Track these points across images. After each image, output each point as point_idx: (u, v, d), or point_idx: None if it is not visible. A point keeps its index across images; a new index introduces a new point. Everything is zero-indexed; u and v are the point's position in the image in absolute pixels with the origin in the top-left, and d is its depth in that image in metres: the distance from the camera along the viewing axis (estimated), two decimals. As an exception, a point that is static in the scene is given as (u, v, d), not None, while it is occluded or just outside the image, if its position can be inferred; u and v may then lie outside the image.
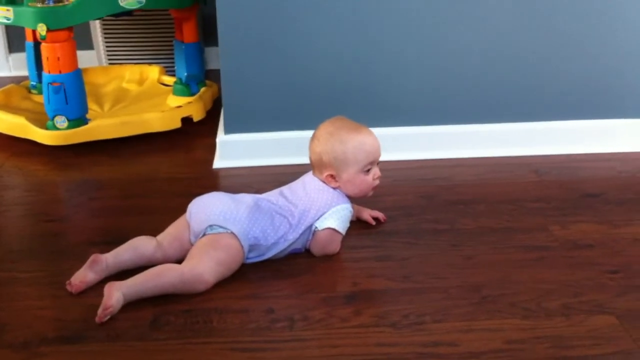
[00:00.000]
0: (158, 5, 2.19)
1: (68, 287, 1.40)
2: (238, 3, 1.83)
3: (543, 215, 1.69)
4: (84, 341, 1.26)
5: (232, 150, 1.95)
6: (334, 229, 1.50)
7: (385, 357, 1.21)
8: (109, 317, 1.30)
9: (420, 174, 1.92)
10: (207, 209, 1.46)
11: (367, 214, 1.65)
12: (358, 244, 1.57)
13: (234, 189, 1.77)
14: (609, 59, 1.98)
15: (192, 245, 1.46)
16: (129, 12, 2.29)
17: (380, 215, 1.66)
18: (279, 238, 1.47)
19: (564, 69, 1.98)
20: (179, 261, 1.43)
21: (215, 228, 1.43)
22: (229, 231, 1.42)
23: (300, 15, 1.86)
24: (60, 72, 2.01)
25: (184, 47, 2.33)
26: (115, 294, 1.31)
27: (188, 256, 1.42)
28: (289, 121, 1.93)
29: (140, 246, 1.46)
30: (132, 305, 1.35)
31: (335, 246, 1.52)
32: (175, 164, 2.02)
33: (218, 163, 1.96)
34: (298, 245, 1.51)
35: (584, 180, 1.88)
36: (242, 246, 1.43)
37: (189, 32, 2.32)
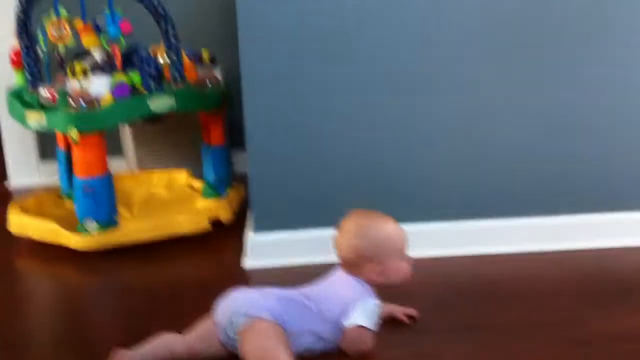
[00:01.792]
0: (188, 107, 2.23)
1: None
2: (265, 104, 1.87)
3: (584, 308, 1.64)
4: None
5: (262, 249, 1.94)
6: (361, 326, 1.46)
7: None
8: None
9: (451, 271, 1.88)
10: (231, 302, 1.46)
11: (400, 312, 1.61)
12: (392, 341, 1.53)
13: (264, 289, 1.75)
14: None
15: (221, 344, 1.44)
16: (159, 118, 2.34)
17: (413, 312, 1.62)
18: (304, 326, 1.44)
19: (592, 162, 1.96)
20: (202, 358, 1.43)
21: (240, 317, 1.41)
22: (253, 317, 1.40)
23: (328, 114, 1.89)
24: (90, 175, 2.04)
25: (211, 150, 2.36)
26: None
27: (246, 355, 1.38)
28: (319, 218, 1.92)
29: (167, 343, 1.44)
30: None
31: (366, 344, 1.47)
32: (204, 267, 2.00)
33: (247, 263, 1.94)
34: (327, 342, 1.47)
35: (620, 273, 1.83)
36: (279, 325, 1.41)
37: (217, 135, 2.35)
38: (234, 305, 1.44)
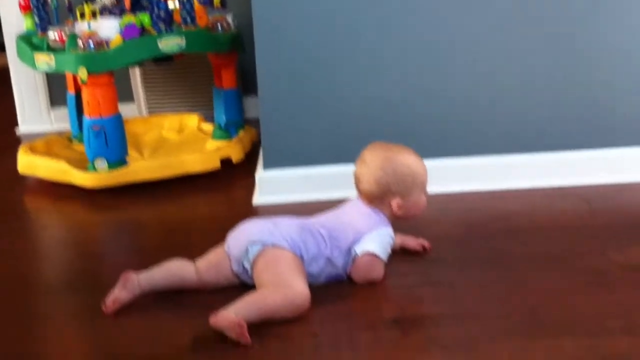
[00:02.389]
0: (198, 49, 2.21)
1: (104, 308, 1.36)
2: (276, 48, 1.84)
3: (598, 240, 1.61)
4: (121, 367, 1.21)
5: (272, 186, 1.92)
6: (374, 254, 1.44)
7: (437, 378, 1.14)
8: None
9: (467, 205, 1.85)
10: (244, 232, 1.44)
11: (414, 242, 1.59)
12: (403, 270, 1.51)
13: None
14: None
15: (233, 273, 1.43)
16: (169, 59, 2.32)
17: (426, 243, 1.59)
18: (319, 252, 1.42)
19: (614, 97, 1.92)
20: (214, 288, 1.42)
21: (256, 245, 1.39)
22: (269, 244, 1.38)
23: (339, 52, 1.85)
24: (100, 115, 2.03)
25: (223, 93, 2.34)
26: (231, 315, 1.25)
27: (262, 283, 1.36)
28: (329, 155, 1.91)
29: (177, 268, 1.43)
30: (171, 331, 1.30)
31: (377, 272, 1.46)
32: (215, 203, 1.99)
33: (257, 199, 1.93)
34: (339, 270, 1.45)
35: (637, 207, 1.79)
36: (293, 252, 1.39)
37: (228, 78, 2.33)
38: (249, 234, 1.42)
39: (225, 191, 2.07)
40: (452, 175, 1.93)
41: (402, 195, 1.47)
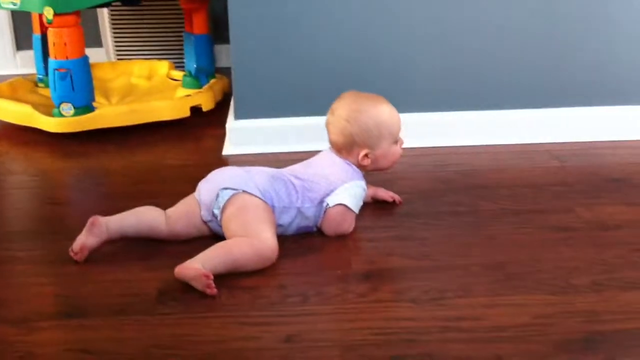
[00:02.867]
0: (167, -9, 2.15)
1: (71, 254, 1.34)
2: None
3: (567, 198, 1.62)
4: (86, 316, 1.19)
5: (242, 136, 1.89)
6: (345, 206, 1.43)
7: (405, 331, 1.14)
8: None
9: (438, 160, 1.85)
10: (215, 179, 1.42)
11: (384, 193, 1.58)
12: (373, 224, 1.50)
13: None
14: (627, 47, 1.92)
15: (203, 222, 1.40)
16: (137, 1, 2.26)
17: (396, 196, 1.59)
18: (290, 202, 1.41)
19: (585, 55, 1.92)
20: (184, 239, 1.40)
21: (227, 191, 1.37)
22: (240, 191, 1.36)
23: (310, 3, 1.81)
24: (67, 58, 1.96)
25: (193, 38, 2.28)
26: (198, 265, 1.23)
27: (230, 234, 1.34)
28: (300, 106, 1.88)
29: (147, 215, 1.40)
30: (138, 281, 1.29)
31: (347, 225, 1.45)
32: (184, 152, 1.96)
33: (227, 150, 1.90)
34: (309, 222, 1.44)
35: (607, 166, 1.80)
36: (264, 201, 1.37)
37: (199, 23, 2.27)
38: (221, 181, 1.40)
39: (195, 140, 2.04)
40: (423, 130, 1.92)
41: (368, 147, 1.45)
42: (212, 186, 1.40)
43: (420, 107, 1.91)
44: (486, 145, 1.93)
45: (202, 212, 1.40)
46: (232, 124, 1.90)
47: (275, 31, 1.82)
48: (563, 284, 1.26)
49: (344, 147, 1.46)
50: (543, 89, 1.93)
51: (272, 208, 1.39)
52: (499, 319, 1.16)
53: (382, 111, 1.46)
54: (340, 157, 1.47)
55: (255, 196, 1.37)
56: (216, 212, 1.38)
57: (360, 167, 1.47)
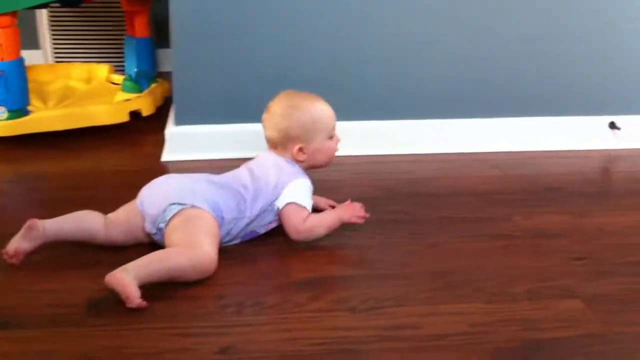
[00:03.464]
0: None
1: (5, 257, 1.29)
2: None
3: (507, 206, 1.63)
4: (13, 328, 1.14)
5: (182, 142, 1.86)
6: (295, 203, 1.40)
7: (343, 340, 1.13)
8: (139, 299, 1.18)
9: (380, 168, 1.85)
10: (162, 190, 1.37)
11: (324, 203, 1.57)
12: (314, 232, 1.49)
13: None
14: (570, 59, 1.96)
15: (145, 233, 1.37)
16: (77, 2, 2.20)
17: (335, 204, 1.58)
18: (240, 212, 1.38)
19: (524, 68, 1.94)
20: (122, 246, 1.36)
21: (175, 206, 1.33)
22: (188, 205, 1.33)
23: (252, 7, 1.79)
24: (2, 59, 1.90)
25: (135, 42, 2.24)
26: (125, 275, 1.18)
27: (170, 244, 1.30)
28: (240, 113, 1.85)
29: (86, 220, 1.36)
30: (70, 290, 1.24)
31: (308, 223, 1.40)
32: (122, 158, 1.91)
33: (167, 156, 1.86)
34: (258, 228, 1.42)
35: (546, 175, 1.83)
36: (212, 215, 1.34)
37: (141, 26, 2.23)
38: (168, 195, 1.35)
39: (134, 146, 1.99)
40: (365, 138, 1.91)
41: (303, 141, 1.44)
42: (159, 200, 1.35)
43: (362, 115, 1.91)
44: (428, 154, 1.94)
45: (146, 225, 1.36)
46: (172, 130, 1.86)
47: (216, 37, 1.80)
48: (501, 293, 1.27)
49: (280, 143, 1.46)
50: (484, 100, 1.95)
51: (221, 220, 1.36)
52: (437, 328, 1.16)
53: (316, 107, 1.47)
54: (279, 155, 1.46)
55: (204, 209, 1.34)
56: (162, 225, 1.34)
57: (297, 163, 1.46)
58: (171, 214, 1.33)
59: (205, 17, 1.78)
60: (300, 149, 1.45)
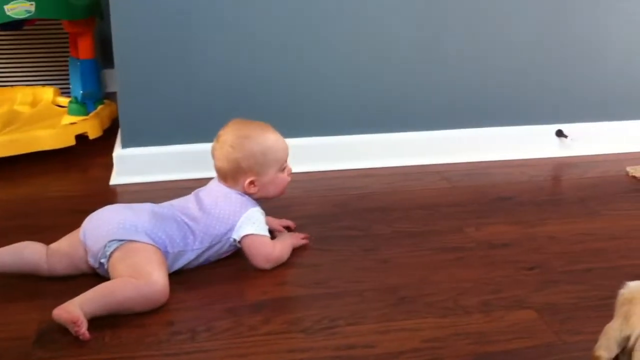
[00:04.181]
0: (49, 15, 2.05)
1: None
2: (134, 15, 1.73)
3: (458, 218, 1.64)
4: (-45, 366, 1.11)
5: (130, 165, 1.82)
6: (256, 234, 1.39)
7: (297, 363, 1.12)
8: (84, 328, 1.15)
9: (331, 184, 1.84)
10: (103, 225, 1.33)
11: (277, 224, 1.55)
12: (267, 252, 1.47)
13: (132, 204, 1.66)
14: (511, 69, 1.98)
15: (88, 266, 1.34)
16: (19, 25, 2.16)
17: (290, 223, 1.57)
18: (186, 245, 1.36)
19: (471, 78, 1.97)
20: (64, 277, 1.33)
21: (114, 243, 1.29)
22: (129, 242, 1.30)
23: (198, 26, 1.77)
24: (-61, 86, 1.85)
25: (79, 64, 2.20)
26: (74, 308, 1.15)
27: (117, 274, 1.26)
28: (188, 134, 1.83)
29: (27, 251, 1.32)
30: (15, 323, 1.21)
31: (276, 251, 1.41)
32: (69, 183, 1.87)
33: (115, 179, 1.83)
34: (211, 257, 1.41)
35: (496, 185, 1.85)
36: (155, 247, 1.31)
37: (85, 47, 2.19)
38: (109, 230, 1.31)
39: (81, 170, 1.95)
40: (316, 154, 1.91)
41: (255, 173, 1.42)
42: (100, 235, 1.31)
43: (313, 132, 1.91)
44: (379, 168, 1.95)
45: (89, 259, 1.33)
46: (119, 153, 1.83)
47: (160, 56, 1.78)
48: (453, 306, 1.27)
49: (230, 174, 1.42)
50: (431, 112, 1.97)
51: (166, 254, 1.33)
52: (390, 345, 1.16)
53: (268, 138, 1.44)
54: (228, 187, 1.43)
55: (145, 242, 1.31)
56: (103, 261, 1.31)
57: (248, 194, 1.43)
58: (111, 250, 1.29)
59: (149, 35, 1.76)
60: (252, 182, 1.42)
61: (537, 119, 2.05)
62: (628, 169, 1.95)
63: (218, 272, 1.39)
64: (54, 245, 1.36)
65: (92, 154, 2.04)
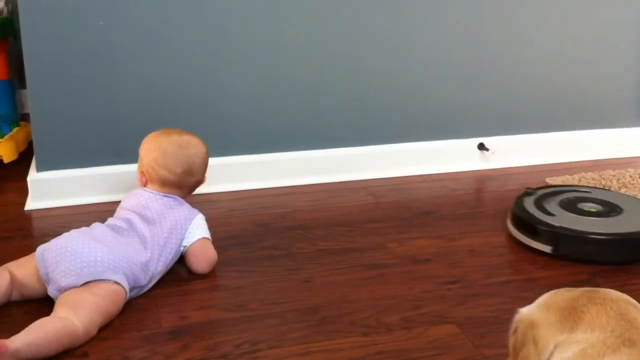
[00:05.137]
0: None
1: None
2: (45, 32, 1.68)
3: (380, 234, 1.65)
4: None
5: (46, 189, 1.76)
6: (203, 238, 1.45)
7: (214, 391, 1.09)
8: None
9: (255, 203, 1.82)
10: (75, 260, 1.26)
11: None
12: (186, 275, 1.44)
13: (48, 231, 1.62)
14: (435, 83, 2.01)
15: (43, 294, 1.29)
16: None
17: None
18: (155, 272, 1.36)
19: (394, 96, 1.98)
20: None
21: (82, 278, 1.25)
22: (110, 281, 1.27)
23: (112, 45, 1.73)
24: None
25: (-8, 85, 2.13)
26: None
27: (66, 302, 1.21)
28: (104, 155, 1.79)
29: None
30: None
31: (213, 253, 1.46)
32: (-19, 209, 1.80)
33: (31, 204, 1.76)
34: (167, 267, 1.42)
35: (418, 200, 1.86)
36: (125, 292, 1.29)
37: (-3, 68, 2.12)
38: (85, 267, 1.25)
39: (-6, 195, 1.88)
40: (239, 173, 1.89)
41: (199, 178, 1.50)
42: (72, 272, 1.25)
43: (236, 150, 1.89)
44: (305, 185, 1.94)
45: (51, 290, 1.27)
46: (34, 176, 1.77)
47: (73, 77, 1.73)
48: (375, 324, 1.27)
49: (177, 183, 1.46)
50: (353, 128, 1.97)
51: (138, 287, 1.33)
52: (311, 368, 1.14)
53: (198, 144, 1.50)
54: (167, 196, 1.45)
55: (117, 283, 1.27)
56: (65, 290, 1.26)
57: (186, 198, 1.49)
58: (77, 285, 1.25)
59: (61, 55, 1.71)
60: (195, 186, 1.50)
61: (459, 133, 2.08)
62: (547, 180, 2.00)
63: (134, 297, 1.35)
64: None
65: (7, 178, 1.97)
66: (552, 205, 1.64)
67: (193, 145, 1.48)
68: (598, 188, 1.82)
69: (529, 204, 1.65)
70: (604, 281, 1.43)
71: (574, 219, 1.57)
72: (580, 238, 1.51)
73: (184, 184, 1.47)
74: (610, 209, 1.63)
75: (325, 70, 1.91)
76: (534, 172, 2.08)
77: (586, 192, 1.74)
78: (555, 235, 1.52)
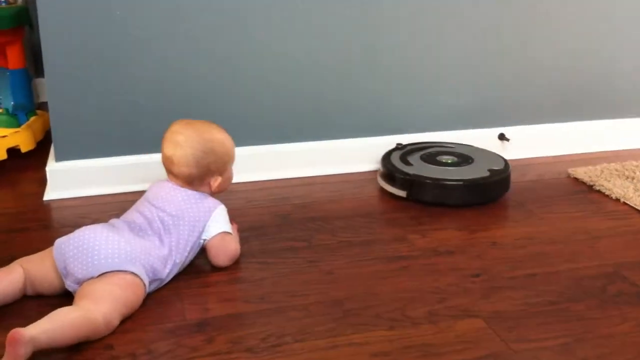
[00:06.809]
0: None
1: None
2: (63, 21, 1.67)
3: (400, 226, 1.63)
4: None
5: (64, 179, 1.75)
6: (225, 231, 1.42)
7: (241, 385, 1.08)
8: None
9: (274, 194, 1.81)
10: (94, 254, 1.25)
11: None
12: (208, 267, 1.43)
13: (67, 221, 1.61)
14: (450, 75, 1.99)
15: (62, 288, 1.28)
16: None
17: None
18: (173, 266, 1.35)
19: (407, 87, 1.96)
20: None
21: (103, 268, 1.24)
22: (128, 272, 1.25)
23: (130, 34, 1.72)
24: None
25: (9, 74, 2.11)
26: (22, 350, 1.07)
27: (84, 294, 1.21)
28: (123, 145, 1.77)
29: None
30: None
31: (233, 247, 1.43)
32: (0, 200, 1.79)
33: (49, 195, 1.75)
34: (186, 263, 1.41)
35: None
36: (144, 284, 1.27)
37: (14, 57, 2.11)
38: (104, 260, 1.24)
39: (12, 185, 1.87)
40: (258, 164, 1.88)
41: (220, 173, 1.44)
42: (91, 266, 1.24)
43: (254, 141, 1.87)
44: (324, 175, 1.92)
45: (69, 283, 1.26)
46: (53, 166, 1.76)
47: (92, 65, 1.71)
48: (400, 317, 1.26)
49: (198, 177, 1.42)
50: (377, 118, 1.96)
51: (156, 280, 1.32)
52: (338, 362, 1.13)
53: (226, 136, 1.46)
54: (187, 188, 1.42)
55: (135, 275, 1.26)
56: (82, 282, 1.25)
57: (210, 193, 1.46)
58: (94, 276, 1.24)
59: (79, 44, 1.69)
60: (216, 181, 1.45)
61: (479, 123, 2.06)
62: (569, 170, 1.97)
63: (156, 291, 1.34)
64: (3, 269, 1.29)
65: (24, 168, 1.96)
66: (414, 157, 1.85)
67: (217, 140, 1.44)
68: (463, 144, 1.97)
69: (395, 157, 1.85)
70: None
71: (428, 169, 1.78)
72: (429, 184, 1.73)
73: (203, 179, 1.43)
74: (463, 160, 1.84)
75: (349, 60, 1.89)
76: (555, 163, 2.06)
77: (450, 147, 1.93)
78: (409, 182, 1.72)
